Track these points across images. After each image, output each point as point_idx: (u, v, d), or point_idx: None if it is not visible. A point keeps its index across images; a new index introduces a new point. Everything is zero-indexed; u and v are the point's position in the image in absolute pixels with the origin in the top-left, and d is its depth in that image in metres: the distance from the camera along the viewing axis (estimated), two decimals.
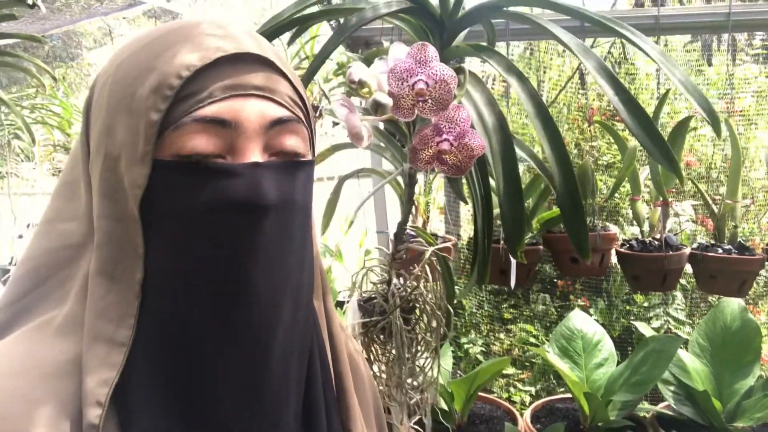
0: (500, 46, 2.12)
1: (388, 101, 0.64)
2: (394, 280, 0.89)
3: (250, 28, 0.49)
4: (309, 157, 0.50)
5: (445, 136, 0.66)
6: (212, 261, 0.43)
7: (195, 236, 0.43)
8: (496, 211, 0.94)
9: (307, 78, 0.89)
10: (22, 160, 3.52)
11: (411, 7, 0.88)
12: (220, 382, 0.44)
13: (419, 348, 0.92)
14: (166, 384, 0.44)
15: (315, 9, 0.90)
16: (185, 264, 0.43)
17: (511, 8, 0.92)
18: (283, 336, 0.47)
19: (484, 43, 1.00)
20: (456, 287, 2.52)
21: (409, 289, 0.89)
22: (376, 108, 0.64)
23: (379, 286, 0.93)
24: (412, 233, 1.20)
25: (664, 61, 0.87)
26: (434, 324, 0.91)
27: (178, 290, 0.44)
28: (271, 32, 0.90)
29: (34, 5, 1.55)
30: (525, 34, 1.70)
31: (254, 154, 0.44)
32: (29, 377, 0.41)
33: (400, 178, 0.93)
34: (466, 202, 0.93)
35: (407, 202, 0.88)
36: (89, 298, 0.44)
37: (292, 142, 0.47)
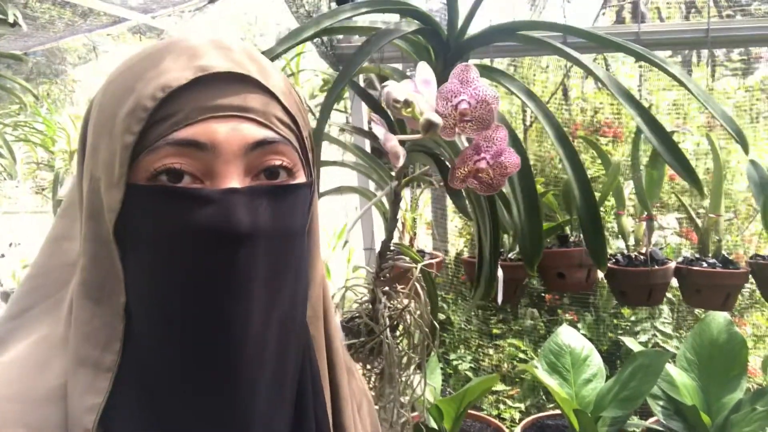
0: (485, 63, 2.13)
1: (440, 121, 0.64)
2: (382, 299, 0.88)
3: (239, 44, 0.47)
4: (300, 180, 0.47)
5: (483, 155, 0.66)
6: (184, 289, 0.42)
7: (167, 262, 0.42)
8: None
9: (326, 108, 0.89)
10: (4, 179, 3.48)
11: (423, 29, 0.89)
12: (197, 411, 0.43)
13: (403, 365, 0.91)
14: (150, 409, 0.43)
15: (328, 24, 0.89)
16: (161, 290, 0.42)
17: (525, 32, 0.95)
18: (265, 367, 0.45)
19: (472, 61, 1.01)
20: (443, 303, 2.51)
21: (399, 308, 0.88)
22: (428, 128, 0.64)
23: (363, 305, 0.92)
24: (397, 250, 1.19)
25: (696, 90, 0.94)
26: (420, 340, 0.90)
27: (155, 316, 0.43)
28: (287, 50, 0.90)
29: (15, 24, 1.53)
30: (509, 51, 1.72)
31: (232, 179, 0.42)
32: (22, 402, 0.41)
33: (385, 196, 0.93)
34: (470, 218, 0.94)
35: (392, 219, 0.87)
36: (74, 322, 0.44)
37: (277, 165, 0.45)
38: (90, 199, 0.44)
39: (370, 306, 0.89)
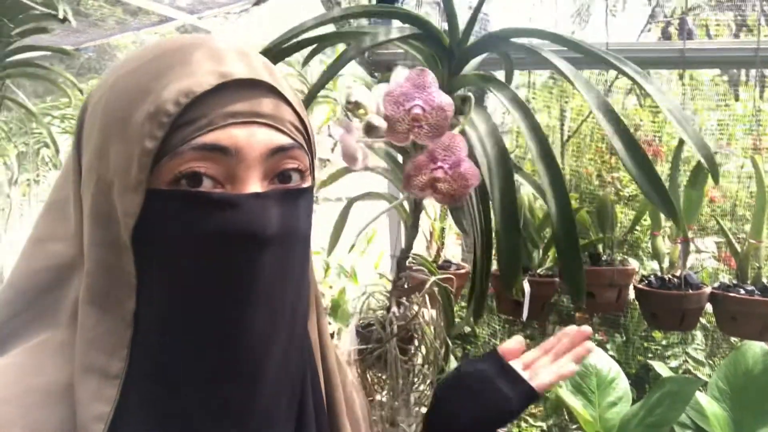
0: (523, 75, 2.11)
1: (382, 124, 0.64)
2: (393, 308, 0.87)
3: (253, 50, 0.48)
4: (309, 183, 0.48)
5: (439, 164, 0.65)
6: (208, 295, 0.42)
7: (190, 268, 0.42)
8: None
9: (309, 98, 0.89)
10: (50, 169, 3.61)
11: (420, 34, 0.88)
12: (212, 417, 0.43)
13: (415, 380, 0.90)
14: (159, 417, 0.42)
15: (331, 30, 0.90)
16: (180, 296, 0.42)
17: (517, 39, 0.92)
18: (277, 369, 0.45)
19: (498, 72, 0.99)
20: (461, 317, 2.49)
21: (408, 317, 0.88)
22: (369, 130, 0.64)
23: (378, 312, 0.91)
24: (418, 261, 1.18)
25: (671, 109, 0.82)
26: (431, 356, 0.89)
27: (171, 322, 0.42)
28: (278, 51, 0.90)
29: (65, 20, 1.59)
30: (538, 63, 1.69)
31: (254, 183, 0.43)
32: (19, 405, 0.40)
33: (407, 203, 0.92)
34: (466, 233, 0.91)
35: (411, 227, 0.87)
36: (80, 328, 0.43)
37: (293, 169, 0.46)
38: (96, 202, 0.43)
39: (385, 313, 0.88)
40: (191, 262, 0.41)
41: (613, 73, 1.82)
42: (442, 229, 1.72)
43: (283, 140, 0.44)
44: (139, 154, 0.41)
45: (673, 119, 0.80)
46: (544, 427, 2.25)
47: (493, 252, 0.91)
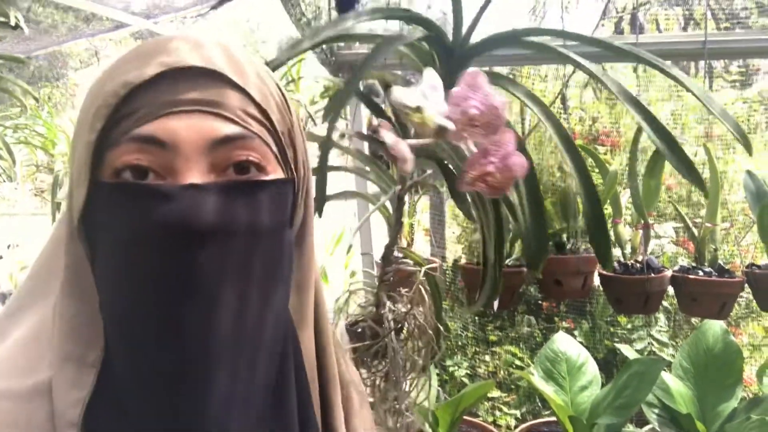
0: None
1: (452, 126, 0.65)
2: (388, 303, 0.89)
3: (218, 41, 0.46)
4: (274, 175, 0.45)
5: (491, 158, 0.67)
6: (144, 287, 0.41)
7: (128, 259, 0.41)
8: None
9: (334, 114, 0.90)
10: (3, 181, 3.49)
11: (428, 36, 0.90)
12: (162, 411, 0.42)
13: (407, 368, 0.92)
14: (131, 405, 0.43)
15: (331, 34, 0.90)
16: (122, 288, 0.42)
17: (530, 38, 0.96)
18: (235, 367, 0.43)
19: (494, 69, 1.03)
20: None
21: (403, 311, 0.89)
22: (440, 133, 0.65)
23: (367, 309, 0.92)
24: (399, 255, 1.20)
25: (698, 91, 0.96)
26: (425, 343, 0.91)
27: (120, 315, 0.43)
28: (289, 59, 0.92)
29: (17, 26, 1.54)
30: (510, 60, 1.73)
31: (193, 176, 0.41)
32: (9, 398, 0.41)
33: (389, 202, 0.94)
34: (475, 221, 0.95)
35: (395, 224, 0.88)
36: (58, 320, 0.44)
37: (244, 160, 0.43)
38: (69, 199, 0.45)
39: (374, 310, 0.89)
40: (129, 254, 0.41)
41: (570, 67, 1.87)
42: (411, 225, 1.74)
43: (230, 129, 0.42)
44: (84, 147, 0.42)
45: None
46: (518, 415, 2.30)
47: (487, 241, 0.94)
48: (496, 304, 1.52)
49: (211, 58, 0.43)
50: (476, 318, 2.53)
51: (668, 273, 1.49)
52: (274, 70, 0.83)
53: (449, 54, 0.91)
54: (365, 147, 1.61)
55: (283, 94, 0.48)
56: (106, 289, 0.43)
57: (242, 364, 0.44)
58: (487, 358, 2.50)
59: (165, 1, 2.70)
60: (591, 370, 1.79)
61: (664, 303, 2.21)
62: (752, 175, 1.49)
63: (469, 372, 2.43)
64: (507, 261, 1.59)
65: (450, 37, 0.91)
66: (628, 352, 1.90)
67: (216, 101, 0.42)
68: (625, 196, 1.65)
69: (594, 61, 0.95)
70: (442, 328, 0.96)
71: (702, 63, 2.11)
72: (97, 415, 0.42)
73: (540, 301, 2.51)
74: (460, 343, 2.53)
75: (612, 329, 2.36)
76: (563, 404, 1.66)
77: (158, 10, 2.92)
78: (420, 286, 0.89)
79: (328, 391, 0.54)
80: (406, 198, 1.91)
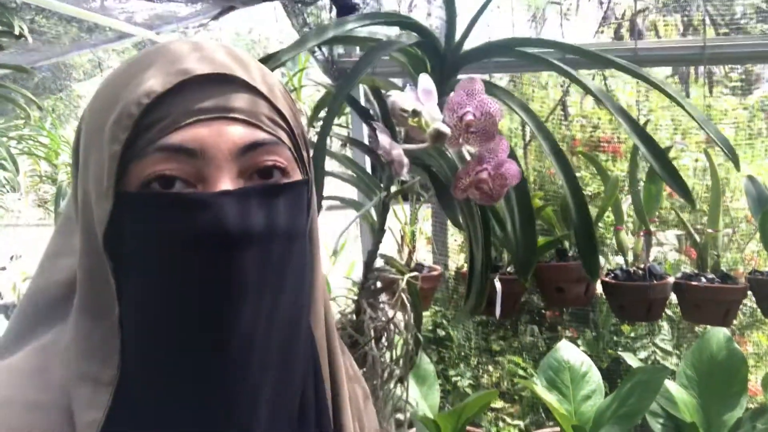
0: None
1: (448, 131, 0.65)
2: (369, 311, 0.88)
3: (227, 46, 0.46)
4: (295, 178, 0.46)
5: (485, 165, 0.67)
6: (180, 296, 0.41)
7: (162, 271, 0.41)
8: None
9: (328, 120, 0.91)
10: (7, 191, 3.50)
11: (421, 42, 0.91)
12: (197, 422, 0.42)
13: (384, 378, 0.91)
14: (150, 423, 0.42)
15: (332, 34, 0.91)
16: (155, 300, 0.42)
17: (524, 48, 0.97)
18: (268, 373, 0.44)
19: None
20: (443, 319, 2.50)
21: (384, 319, 0.88)
22: (437, 137, 0.65)
23: (347, 316, 0.92)
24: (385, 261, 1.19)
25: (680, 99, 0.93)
26: (404, 353, 0.90)
27: (150, 326, 0.42)
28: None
29: (20, 36, 1.55)
30: (507, 67, 1.73)
31: (224, 182, 0.41)
32: (9, 407, 0.40)
33: (374, 208, 0.94)
34: (462, 228, 0.95)
35: (379, 230, 0.88)
36: (75, 337, 0.43)
37: (270, 165, 0.44)
38: (83, 213, 0.44)
39: (354, 317, 0.89)
40: (161, 265, 0.41)
41: None
42: (413, 233, 1.73)
43: (258, 136, 0.43)
44: (107, 160, 0.41)
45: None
46: (522, 426, 2.28)
47: (474, 249, 0.94)
48: (498, 311, 1.51)
49: (226, 64, 0.43)
50: (479, 327, 2.51)
51: (671, 280, 1.48)
52: (279, 66, 0.84)
53: (442, 60, 0.91)
54: (363, 156, 1.62)
55: (291, 97, 0.49)
56: (136, 301, 0.42)
57: (283, 366, 0.45)
58: (491, 367, 2.48)
59: (167, 12, 2.72)
60: (594, 378, 1.77)
61: (668, 311, 2.19)
62: (753, 180, 1.49)
63: (472, 382, 2.41)
64: (508, 268, 1.59)
65: (443, 44, 0.91)
66: (632, 360, 1.88)
67: (237, 107, 0.43)
68: (626, 203, 1.65)
69: (590, 70, 0.95)
70: (421, 338, 0.96)
71: (701, 68, 2.11)
72: None
73: (543, 310, 2.50)
74: (463, 353, 2.52)
75: (615, 338, 2.34)
76: (566, 413, 1.64)
77: (160, 20, 2.94)
78: (402, 294, 0.89)
79: (338, 389, 0.54)
80: (407, 205, 1.91)
